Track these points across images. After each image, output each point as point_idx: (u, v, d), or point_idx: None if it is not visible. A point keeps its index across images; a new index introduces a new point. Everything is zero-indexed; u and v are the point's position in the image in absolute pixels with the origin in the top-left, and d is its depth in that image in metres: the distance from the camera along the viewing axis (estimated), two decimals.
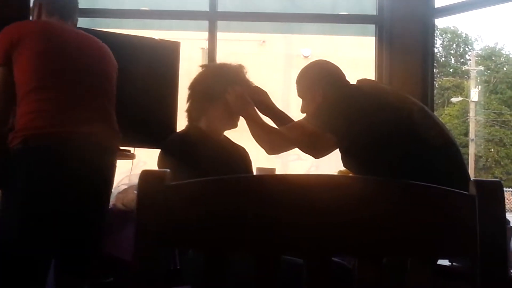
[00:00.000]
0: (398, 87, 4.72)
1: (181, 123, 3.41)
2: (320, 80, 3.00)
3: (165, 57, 4.22)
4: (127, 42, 3.93)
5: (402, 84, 4.99)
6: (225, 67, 3.21)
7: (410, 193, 1.15)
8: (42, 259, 2.73)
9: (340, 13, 6.46)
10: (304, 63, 3.18)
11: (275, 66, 14.02)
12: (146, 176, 1.13)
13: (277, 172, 3.80)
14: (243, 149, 3.34)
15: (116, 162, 3.04)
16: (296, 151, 3.03)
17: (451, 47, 29.24)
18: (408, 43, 5.20)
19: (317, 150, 2.90)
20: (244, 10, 6.11)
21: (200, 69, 3.25)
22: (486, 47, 29.03)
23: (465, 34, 29.34)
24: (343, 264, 2.68)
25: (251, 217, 1.13)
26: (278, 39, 14.34)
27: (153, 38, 4.31)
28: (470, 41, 29.32)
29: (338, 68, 3.08)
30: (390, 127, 2.71)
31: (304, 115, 3.03)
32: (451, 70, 28.65)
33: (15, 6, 4.06)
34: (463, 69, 28.31)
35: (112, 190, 3.17)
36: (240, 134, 3.20)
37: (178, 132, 3.36)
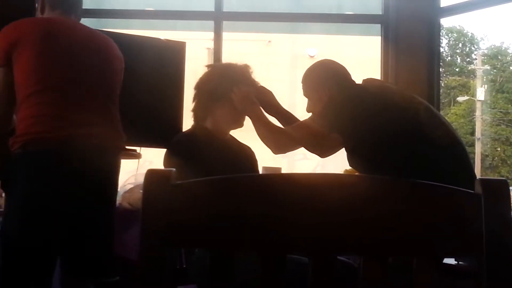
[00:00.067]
0: (404, 86, 4.72)
1: (187, 122, 3.41)
2: (326, 79, 3.00)
3: (171, 57, 4.22)
4: (132, 42, 3.93)
5: (408, 83, 4.98)
6: (230, 67, 3.21)
7: (415, 192, 1.15)
8: (46, 261, 2.73)
9: (345, 13, 6.46)
10: (309, 63, 3.18)
11: (280, 66, 14.02)
12: (151, 175, 1.13)
13: (283, 172, 3.80)
14: (249, 148, 3.34)
15: (119, 162, 3.01)
16: (302, 150, 3.03)
17: (457, 47, 29.16)
18: (414, 43, 5.20)
19: (323, 149, 2.90)
20: (249, 10, 6.12)
21: (206, 69, 3.25)
22: (492, 46, 28.95)
23: (471, 33, 29.26)
24: (349, 263, 2.68)
25: (257, 216, 1.13)
26: (283, 39, 14.34)
27: (159, 38, 4.31)
28: (476, 40, 29.24)
29: (344, 67, 3.08)
30: (396, 126, 2.71)
31: (310, 114, 3.03)
32: (457, 70, 28.57)
33: (20, 3, 4.06)
34: (469, 68, 28.23)
35: (118, 190, 3.16)
36: (246, 134, 3.20)
37: (184, 132, 3.37)
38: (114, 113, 2.99)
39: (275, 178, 1.24)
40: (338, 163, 3.57)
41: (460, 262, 2.89)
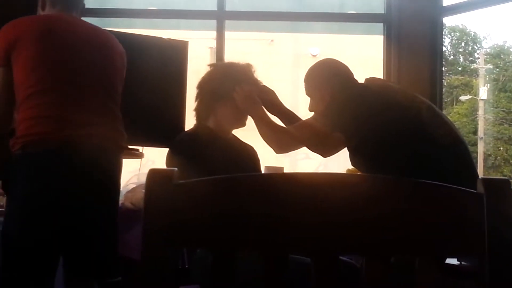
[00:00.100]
0: (407, 85, 4.72)
1: (190, 122, 3.41)
2: (328, 79, 3.00)
3: (173, 56, 4.22)
4: (135, 41, 3.93)
5: (410, 82, 4.98)
6: (233, 66, 3.21)
7: (418, 192, 1.15)
8: (47, 261, 2.73)
9: (348, 12, 6.46)
10: (312, 62, 3.18)
11: (283, 65, 14.01)
12: (153, 175, 1.13)
13: (285, 171, 3.80)
14: (252, 148, 3.34)
15: (121, 162, 2.99)
16: (304, 150, 3.02)
17: (460, 46, 29.13)
18: (416, 42, 5.20)
19: (325, 149, 2.90)
20: (252, 9, 6.12)
21: (208, 68, 3.25)
22: (495, 45, 28.90)
23: (474, 32, 29.22)
24: (351, 263, 2.68)
25: (259, 216, 1.13)
26: (286, 38, 14.33)
27: (162, 38, 4.31)
28: (478, 40, 29.20)
29: (346, 67, 3.07)
30: (398, 126, 2.71)
31: (312, 113, 3.03)
32: (459, 69, 28.53)
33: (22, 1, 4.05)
34: (472, 67, 28.19)
35: (121, 189, 3.15)
36: (248, 133, 3.20)
37: (186, 131, 3.37)
38: (115, 112, 2.97)
39: (277, 177, 1.23)
40: (340, 162, 3.56)
41: (462, 262, 2.89)
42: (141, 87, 3.76)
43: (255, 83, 3.19)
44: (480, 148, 24.09)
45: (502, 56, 27.98)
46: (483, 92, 25.10)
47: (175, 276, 1.16)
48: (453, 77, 27.53)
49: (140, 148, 3.90)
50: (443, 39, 6.16)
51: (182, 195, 1.13)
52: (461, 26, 28.70)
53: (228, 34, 5.47)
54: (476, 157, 22.43)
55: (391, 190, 1.15)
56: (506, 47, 28.53)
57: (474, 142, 23.87)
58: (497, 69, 27.38)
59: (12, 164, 2.73)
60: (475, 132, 25.02)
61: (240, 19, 6.16)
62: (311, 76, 3.08)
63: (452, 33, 28.56)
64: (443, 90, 5.70)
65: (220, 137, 3.12)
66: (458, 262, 2.89)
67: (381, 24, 5.54)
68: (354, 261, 2.70)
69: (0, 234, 2.76)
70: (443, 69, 5.79)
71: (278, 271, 1.12)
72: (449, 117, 3.38)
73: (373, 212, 1.11)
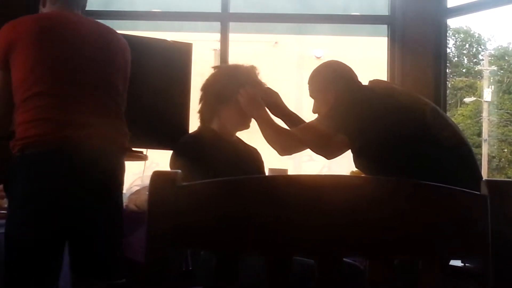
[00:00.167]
0: (411, 87, 4.71)
1: (194, 124, 3.41)
2: (332, 80, 3.00)
3: (178, 59, 4.22)
4: (139, 43, 3.93)
5: (414, 84, 4.97)
6: (237, 68, 3.21)
7: (421, 194, 1.15)
8: (48, 261, 2.73)
9: (352, 14, 6.45)
10: (316, 64, 3.18)
11: (287, 67, 13.99)
12: (157, 177, 1.13)
13: (289, 173, 3.80)
14: (256, 150, 3.34)
15: (123, 163, 2.96)
16: (308, 152, 3.03)
17: (464, 47, 29.07)
18: (420, 43, 5.19)
19: (329, 151, 2.90)
20: (256, 11, 6.12)
21: (212, 71, 3.25)
22: (499, 47, 28.84)
23: (478, 34, 29.15)
24: (355, 265, 2.68)
25: (262, 217, 1.13)
26: (290, 40, 14.32)
27: (166, 40, 4.31)
28: (483, 41, 29.14)
29: (350, 68, 3.08)
30: (402, 128, 2.71)
31: (316, 115, 3.03)
32: (464, 70, 28.48)
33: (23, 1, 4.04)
34: (476, 69, 28.13)
35: (125, 191, 3.15)
36: (252, 135, 3.20)
37: (190, 133, 3.37)
38: (116, 112, 2.93)
39: (281, 179, 1.24)
40: (344, 164, 3.56)
41: (466, 264, 2.89)
42: (145, 89, 3.76)
43: (259, 85, 3.20)
44: (484, 150, 24.04)
45: (506, 58, 27.93)
46: (488, 94, 25.05)
47: (179, 278, 1.16)
48: (457, 79, 27.48)
49: (144, 150, 3.90)
50: (447, 41, 6.17)
51: (186, 197, 1.13)
52: (465, 28, 28.66)
53: (232, 36, 5.47)
54: (480, 159, 22.38)
55: (395, 192, 1.15)
56: (510, 49, 28.48)
57: (478, 144, 23.82)
58: (502, 71, 27.33)
59: (12, 165, 2.73)
60: (479, 134, 24.96)
61: (244, 21, 6.14)
62: (315, 78, 3.09)
63: (456, 35, 28.52)
64: (447, 92, 5.71)
65: (224, 139, 3.12)
66: (462, 264, 2.89)
67: (385, 26, 5.53)
68: (358, 262, 2.70)
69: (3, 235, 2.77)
70: (447, 70, 5.78)
71: (282, 273, 1.12)
72: (453, 119, 3.38)
73: (377, 214, 1.11)
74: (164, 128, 3.98)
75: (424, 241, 1.13)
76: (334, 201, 1.12)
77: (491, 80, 26.10)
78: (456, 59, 28.63)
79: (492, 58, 27.79)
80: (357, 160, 2.86)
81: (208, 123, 3.17)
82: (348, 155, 2.88)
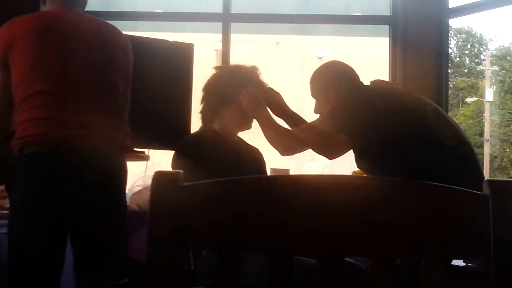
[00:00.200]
0: (412, 88, 4.71)
1: (195, 124, 3.41)
2: (334, 81, 3.00)
3: (179, 59, 4.22)
4: (141, 44, 3.93)
5: (416, 84, 4.97)
6: (239, 69, 3.21)
7: (423, 194, 1.15)
8: (49, 261, 2.73)
9: (353, 14, 6.45)
10: (318, 64, 3.17)
11: (289, 67, 13.98)
12: (159, 177, 1.13)
13: (291, 173, 3.80)
14: (257, 150, 3.34)
15: (124, 163, 2.95)
16: (310, 152, 3.02)
17: (466, 47, 29.04)
18: (422, 44, 5.20)
19: (331, 151, 2.90)
20: (257, 11, 6.12)
21: (214, 71, 3.26)
22: (501, 47, 28.80)
23: (480, 34, 29.11)
24: (357, 265, 2.68)
25: (264, 218, 1.13)
26: (292, 40, 14.31)
27: (167, 40, 4.31)
28: (484, 41, 29.11)
29: (352, 69, 3.07)
30: (404, 128, 2.71)
31: (318, 115, 3.03)
32: (465, 70, 28.46)
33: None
34: (478, 69, 28.10)
35: (127, 192, 3.14)
36: (254, 135, 3.20)
37: (192, 134, 3.37)
38: (116, 111, 2.91)
39: (283, 179, 1.24)
40: (346, 164, 3.56)
41: (468, 264, 2.88)
42: (146, 90, 3.75)
43: (261, 85, 3.20)
44: (486, 150, 24.02)
45: (508, 58, 27.91)
46: (489, 94, 25.03)
47: (181, 278, 1.16)
48: (459, 79, 27.46)
49: (146, 150, 3.90)
50: (449, 41, 6.16)
51: (188, 197, 1.13)
52: (467, 28, 28.63)
53: (233, 37, 5.48)
54: (482, 159, 22.37)
55: (397, 192, 1.15)
56: None
57: (480, 144, 23.80)
58: (503, 71, 27.31)
59: (13, 165, 2.74)
60: (481, 134, 24.94)
61: (246, 22, 6.15)
62: (316, 78, 3.08)
63: (458, 35, 28.49)
64: (449, 92, 5.70)
65: (225, 140, 3.12)
66: (464, 264, 2.89)
67: (387, 26, 5.54)
68: (360, 262, 2.70)
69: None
70: (449, 71, 5.78)
71: (284, 273, 1.12)
72: (455, 119, 3.38)
73: (379, 214, 1.11)
74: (166, 129, 3.98)
75: (426, 240, 1.13)
76: (336, 201, 1.12)
77: (493, 80, 26.08)
78: (458, 59, 28.60)
79: (494, 58, 27.76)
80: (358, 160, 2.86)
81: (209, 124, 3.17)
82: (349, 155, 2.88)
